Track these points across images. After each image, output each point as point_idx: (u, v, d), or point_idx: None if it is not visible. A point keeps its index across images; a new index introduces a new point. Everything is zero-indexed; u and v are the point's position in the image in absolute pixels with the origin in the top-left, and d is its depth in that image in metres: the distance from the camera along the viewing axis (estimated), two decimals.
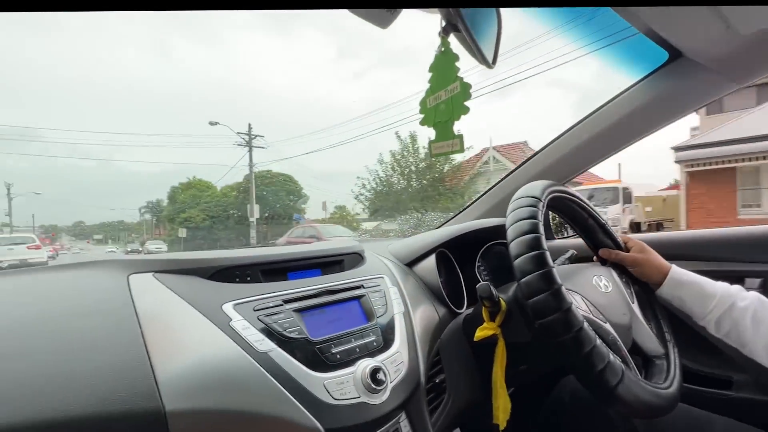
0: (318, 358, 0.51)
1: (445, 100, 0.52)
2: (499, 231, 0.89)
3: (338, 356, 0.53)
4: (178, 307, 0.50)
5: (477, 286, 0.63)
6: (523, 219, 0.60)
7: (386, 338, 0.60)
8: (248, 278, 0.59)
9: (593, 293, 0.66)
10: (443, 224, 1.23)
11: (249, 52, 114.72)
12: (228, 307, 0.51)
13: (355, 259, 0.75)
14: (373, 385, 0.52)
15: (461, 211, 1.24)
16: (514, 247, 0.58)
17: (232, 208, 25.06)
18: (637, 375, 0.57)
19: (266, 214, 20.44)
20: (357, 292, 0.64)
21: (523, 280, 0.55)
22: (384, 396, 0.53)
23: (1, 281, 0.57)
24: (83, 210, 63.10)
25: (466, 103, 0.52)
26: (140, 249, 24.80)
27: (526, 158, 1.13)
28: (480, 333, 0.64)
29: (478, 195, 1.21)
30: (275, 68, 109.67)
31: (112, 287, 0.52)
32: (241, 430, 0.46)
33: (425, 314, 0.73)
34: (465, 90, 0.51)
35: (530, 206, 0.62)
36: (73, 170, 77.68)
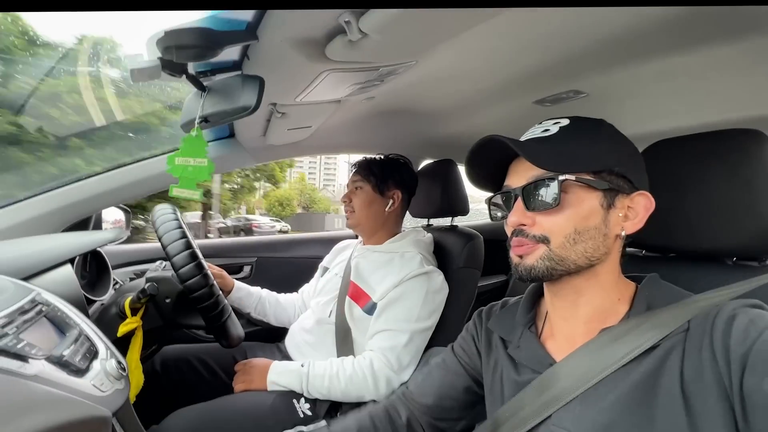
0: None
1: (193, 166, 0.70)
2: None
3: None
4: None
5: (146, 285, 0.83)
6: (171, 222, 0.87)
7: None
8: None
9: None
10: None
11: None
12: None
13: None
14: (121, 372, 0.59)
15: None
16: (171, 249, 0.82)
17: None
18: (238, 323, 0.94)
19: None
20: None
21: (176, 258, 0.81)
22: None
23: None
24: None
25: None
26: None
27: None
28: (124, 328, 0.80)
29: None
30: None
31: None
32: None
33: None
34: (211, 167, 0.70)
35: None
36: None
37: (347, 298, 1.06)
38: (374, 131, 1.31)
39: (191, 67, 0.65)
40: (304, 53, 0.58)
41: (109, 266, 1.04)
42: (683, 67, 0.78)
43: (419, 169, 1.40)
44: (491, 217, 0.59)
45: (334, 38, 0.55)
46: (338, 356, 1.04)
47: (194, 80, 0.64)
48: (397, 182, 1.15)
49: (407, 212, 1.26)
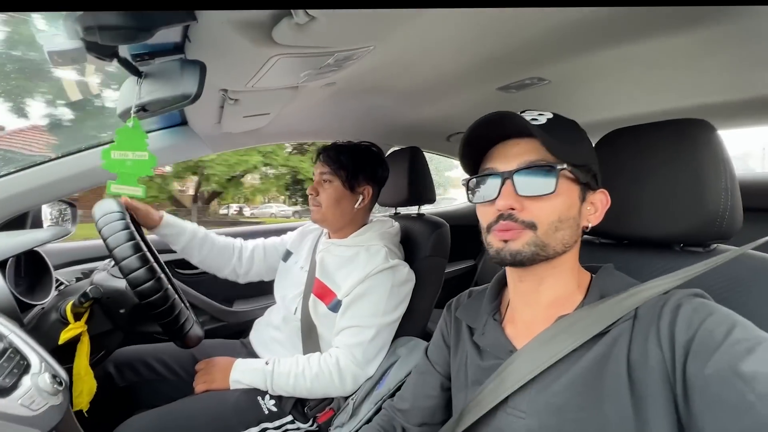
0: None
1: (133, 160, 0.66)
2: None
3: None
4: None
5: (89, 288, 0.78)
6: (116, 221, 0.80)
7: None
8: None
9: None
10: None
11: None
12: None
13: None
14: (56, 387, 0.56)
15: None
16: (112, 241, 0.76)
17: None
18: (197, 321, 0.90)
19: None
20: None
21: (124, 262, 0.74)
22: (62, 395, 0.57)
23: None
24: None
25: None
26: None
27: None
28: (66, 335, 0.74)
29: None
30: None
31: None
32: None
33: None
34: (152, 161, 0.66)
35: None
36: None
37: (312, 295, 1.04)
38: (338, 117, 1.26)
39: (124, 50, 0.58)
40: (248, 37, 0.53)
41: (50, 267, 0.96)
42: (638, 56, 0.79)
43: (386, 155, 1.38)
44: (470, 199, 0.57)
45: (280, 21, 0.51)
46: (304, 352, 1.02)
47: (128, 65, 0.58)
48: (368, 177, 1.08)
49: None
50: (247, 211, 12.93)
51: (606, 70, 0.88)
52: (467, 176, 0.58)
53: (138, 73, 0.59)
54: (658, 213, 0.60)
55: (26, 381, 0.50)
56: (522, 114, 0.55)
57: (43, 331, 0.75)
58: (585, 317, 0.50)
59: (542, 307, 0.55)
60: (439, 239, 1.16)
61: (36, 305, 0.86)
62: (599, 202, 0.56)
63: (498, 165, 0.54)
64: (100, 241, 0.79)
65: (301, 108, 1.10)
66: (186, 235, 1.11)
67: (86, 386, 0.77)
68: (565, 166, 0.50)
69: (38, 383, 0.51)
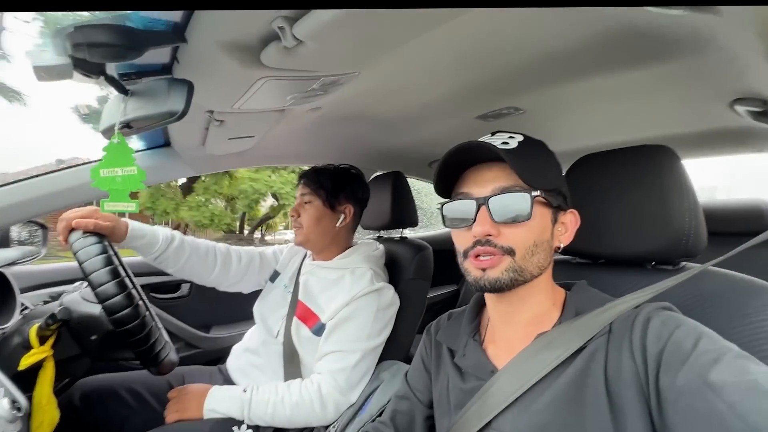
0: None
1: (122, 176, 0.67)
2: None
3: None
4: None
5: (57, 310, 0.75)
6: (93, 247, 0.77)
7: None
8: None
9: None
10: None
11: None
12: None
13: None
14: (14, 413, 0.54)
15: None
16: (89, 265, 0.73)
17: None
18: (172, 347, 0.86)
19: None
20: None
21: (101, 288, 0.72)
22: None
23: None
24: None
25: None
26: None
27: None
28: (29, 360, 0.70)
29: None
30: None
31: None
32: None
33: None
34: (142, 175, 0.67)
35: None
36: None
37: (294, 318, 1.02)
38: (323, 142, 1.29)
39: (111, 69, 0.59)
40: (237, 58, 0.55)
41: (15, 289, 0.92)
42: (604, 88, 0.85)
43: (369, 180, 1.40)
44: (445, 224, 0.58)
45: (269, 44, 0.53)
46: (285, 378, 0.99)
47: (114, 83, 0.58)
48: (348, 196, 1.10)
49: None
50: (268, 237, 12.83)
51: (575, 101, 0.95)
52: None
53: (124, 91, 0.60)
54: (629, 233, 0.63)
55: None
56: (494, 136, 0.56)
57: (4, 356, 0.70)
58: (563, 333, 0.51)
59: (521, 325, 0.56)
60: (422, 262, 1.16)
61: None
62: (570, 222, 0.57)
63: (472, 190, 0.54)
64: (69, 264, 0.76)
65: (285, 132, 1.12)
66: (159, 244, 1.00)
67: (47, 416, 0.72)
68: (538, 192, 0.51)
69: None
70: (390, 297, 1.02)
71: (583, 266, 0.72)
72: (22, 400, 0.53)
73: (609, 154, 0.67)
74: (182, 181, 8.74)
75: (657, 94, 0.87)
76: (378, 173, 1.50)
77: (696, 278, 0.55)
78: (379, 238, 1.39)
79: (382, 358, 1.02)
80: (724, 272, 0.57)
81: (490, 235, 0.51)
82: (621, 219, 0.63)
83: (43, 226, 1.17)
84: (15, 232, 1.10)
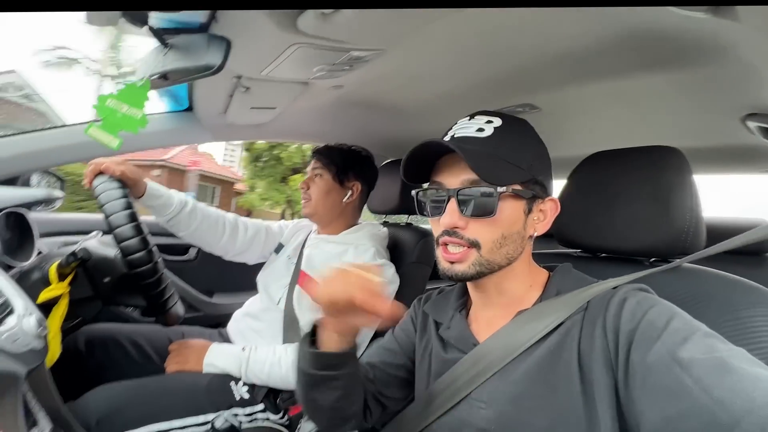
0: None
1: (124, 113, 0.66)
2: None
3: None
4: None
5: (77, 249, 0.79)
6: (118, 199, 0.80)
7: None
8: None
9: None
10: None
11: None
12: None
13: None
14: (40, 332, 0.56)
15: None
16: (110, 207, 0.78)
17: None
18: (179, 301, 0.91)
19: None
20: None
21: (119, 229, 0.76)
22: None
23: None
24: None
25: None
26: None
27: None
28: (48, 294, 0.74)
29: None
30: None
31: None
32: None
33: None
34: (143, 121, 0.66)
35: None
36: None
37: (297, 286, 1.05)
38: (340, 122, 1.31)
39: (154, 21, 0.62)
40: (274, 20, 0.58)
41: (35, 231, 0.95)
42: (619, 91, 0.87)
43: (380, 166, 1.43)
44: (419, 211, 0.59)
45: (307, 9, 0.56)
46: (284, 343, 1.02)
47: (156, 34, 0.61)
48: (357, 174, 1.15)
49: (365, 208, 1.27)
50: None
51: (590, 102, 0.96)
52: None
53: (164, 43, 0.63)
54: (631, 230, 0.65)
55: (10, 320, 0.50)
56: (472, 119, 0.57)
57: (23, 289, 0.74)
58: (543, 310, 0.53)
59: (501, 306, 0.58)
60: (425, 247, 1.19)
61: (14, 267, 0.85)
62: (549, 210, 0.57)
63: (444, 179, 0.55)
64: (87, 215, 0.79)
65: (305, 108, 1.15)
66: (173, 207, 1.04)
67: (50, 350, 0.75)
68: (504, 189, 0.51)
69: (23, 324, 0.50)
70: (391, 274, 1.05)
71: (583, 259, 0.75)
72: (46, 322, 0.56)
73: (618, 153, 0.70)
74: None
75: (671, 100, 0.88)
76: (390, 159, 1.53)
77: (691, 277, 0.59)
78: (385, 224, 1.42)
79: (376, 337, 1.05)
80: (717, 272, 0.60)
81: (457, 227, 0.53)
82: (624, 215, 0.65)
83: (60, 179, 1.21)
84: (35, 180, 1.13)
